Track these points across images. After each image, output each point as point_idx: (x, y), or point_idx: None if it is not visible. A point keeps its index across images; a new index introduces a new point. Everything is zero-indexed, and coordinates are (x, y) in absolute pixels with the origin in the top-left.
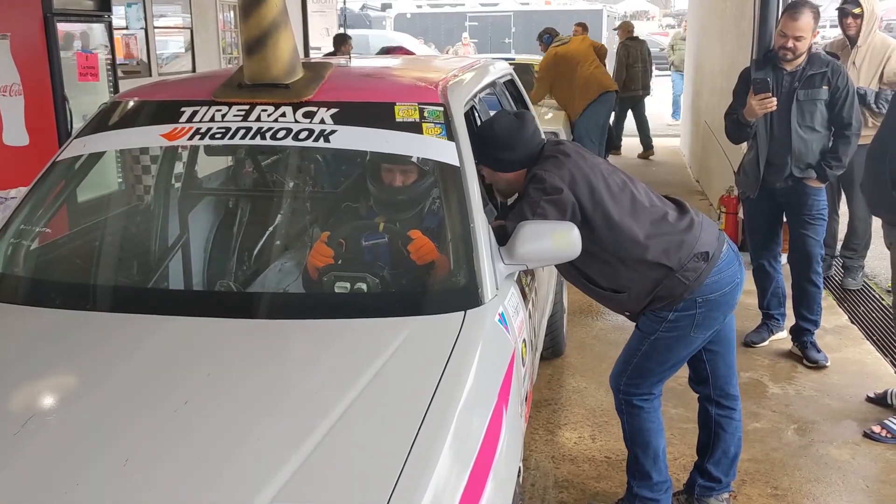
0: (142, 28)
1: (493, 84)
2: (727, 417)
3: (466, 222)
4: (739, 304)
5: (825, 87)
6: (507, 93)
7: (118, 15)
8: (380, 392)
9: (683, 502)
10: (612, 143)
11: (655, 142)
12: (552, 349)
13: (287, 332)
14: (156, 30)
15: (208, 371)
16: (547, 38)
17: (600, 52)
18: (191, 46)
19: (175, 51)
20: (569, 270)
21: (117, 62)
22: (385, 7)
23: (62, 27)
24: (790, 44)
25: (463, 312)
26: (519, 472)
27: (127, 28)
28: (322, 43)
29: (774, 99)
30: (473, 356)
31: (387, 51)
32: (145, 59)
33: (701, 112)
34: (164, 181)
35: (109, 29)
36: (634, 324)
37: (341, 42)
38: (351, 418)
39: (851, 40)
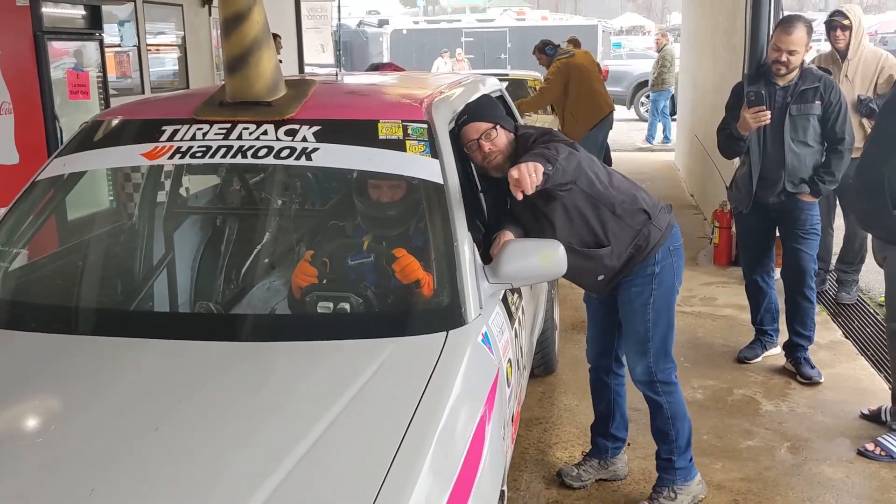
0: (134, 46)
1: None
2: (620, 384)
3: (450, 241)
4: (731, 318)
5: (818, 102)
6: None
7: (111, 33)
8: (358, 415)
9: (597, 466)
10: (608, 161)
11: (651, 155)
12: (544, 366)
13: (266, 355)
14: (148, 48)
15: (181, 396)
16: (550, 49)
17: (599, 68)
18: (184, 64)
19: (169, 68)
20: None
21: (110, 80)
22: (382, 23)
23: (54, 45)
24: (784, 58)
25: (445, 333)
26: (502, 496)
27: (119, 46)
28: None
29: (768, 112)
30: (455, 377)
31: (376, 67)
32: (138, 78)
33: (694, 127)
34: (148, 200)
35: (101, 47)
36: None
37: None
38: (327, 442)
39: (841, 53)
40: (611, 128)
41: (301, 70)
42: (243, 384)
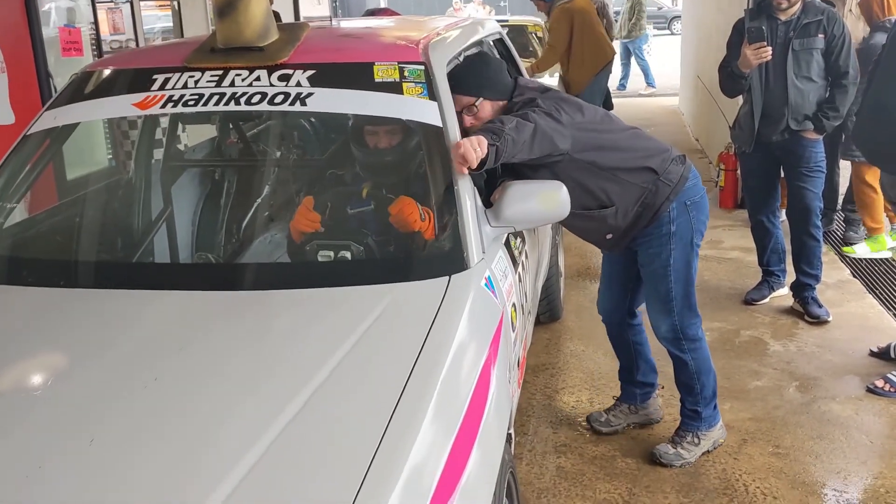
0: (127, 1)
1: (479, 43)
2: (637, 333)
3: (450, 184)
4: (737, 260)
5: (821, 36)
6: (496, 52)
7: None
8: (360, 361)
9: (627, 412)
10: (609, 106)
11: (655, 101)
12: (549, 313)
13: (267, 303)
14: (142, 3)
15: (180, 345)
16: None
17: (603, 11)
18: (178, 17)
19: (164, 24)
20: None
21: (103, 37)
22: None
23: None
24: None
25: (448, 277)
26: (509, 439)
27: (112, 2)
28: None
29: (769, 48)
30: (458, 321)
31: (371, 13)
32: (132, 33)
33: (698, 70)
34: (144, 154)
35: (93, 2)
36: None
37: None
38: (329, 389)
39: None
40: (610, 72)
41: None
42: (244, 332)
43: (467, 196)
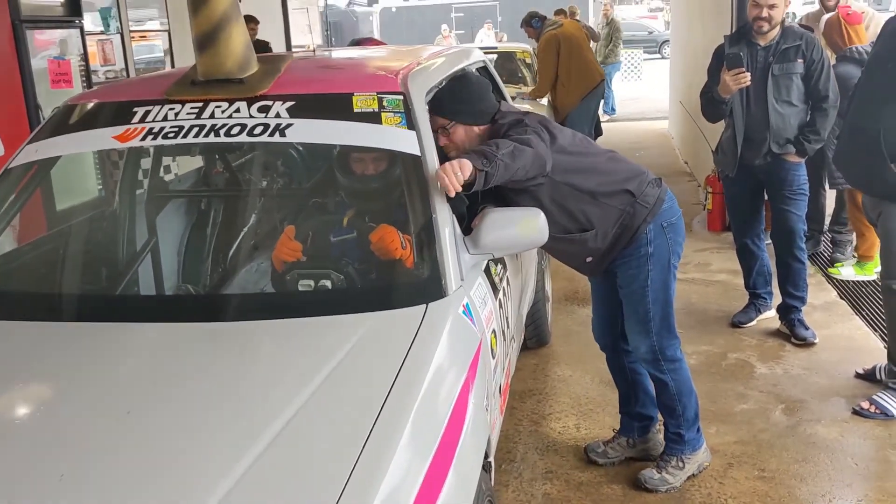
0: (117, 32)
1: (462, 70)
2: (634, 360)
3: (428, 213)
4: (725, 283)
5: (800, 61)
6: None
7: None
8: (334, 391)
9: (625, 445)
10: (599, 131)
11: (645, 124)
12: (536, 339)
13: (244, 334)
14: (132, 33)
15: (157, 379)
16: (537, 22)
17: (592, 35)
18: (169, 50)
19: (156, 55)
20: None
21: (94, 68)
22: (372, 2)
23: (38, 37)
24: (764, 13)
25: (425, 305)
26: (489, 467)
27: (103, 33)
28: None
29: (748, 74)
30: (434, 349)
31: (357, 42)
32: (122, 65)
33: (686, 93)
34: (128, 184)
35: (82, 34)
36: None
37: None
38: (302, 419)
39: (829, 11)
40: (602, 97)
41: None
42: (221, 364)
43: (445, 224)
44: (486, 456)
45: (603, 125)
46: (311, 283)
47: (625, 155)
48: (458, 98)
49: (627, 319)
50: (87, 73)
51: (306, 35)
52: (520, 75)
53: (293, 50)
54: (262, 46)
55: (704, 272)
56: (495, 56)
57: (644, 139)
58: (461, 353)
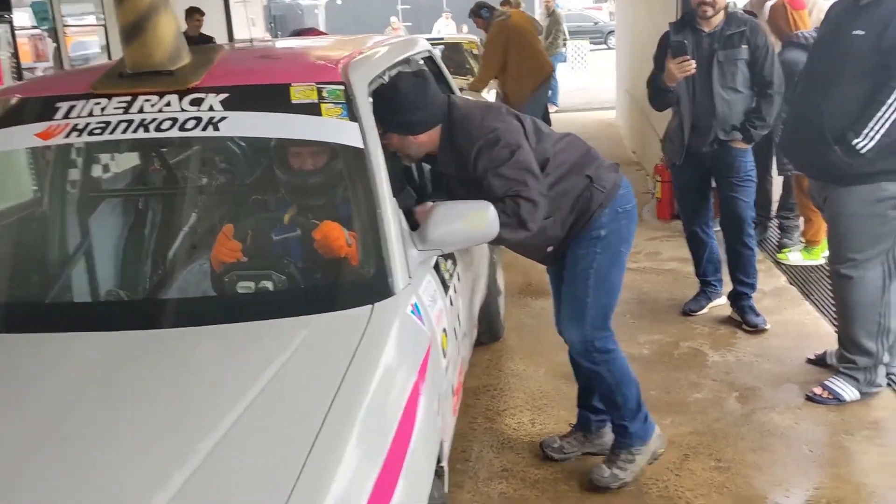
0: (51, 28)
1: (406, 61)
2: None
3: (373, 208)
4: (675, 271)
5: (744, 47)
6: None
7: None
8: (275, 399)
9: (582, 440)
10: (547, 122)
11: (592, 115)
12: (489, 333)
13: (178, 342)
14: (66, 28)
15: (87, 393)
16: (486, 12)
17: (538, 27)
18: (107, 45)
19: (93, 50)
20: None
21: (26, 65)
22: None
23: None
24: None
25: (371, 306)
26: (441, 473)
27: (36, 28)
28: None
29: (693, 62)
30: (381, 352)
31: (298, 33)
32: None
33: (632, 82)
34: (58, 185)
35: (12, 30)
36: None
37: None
38: (240, 431)
39: None
40: (550, 88)
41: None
42: (155, 376)
43: (391, 220)
44: (439, 461)
45: (550, 116)
46: (252, 284)
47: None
48: (388, 107)
49: (564, 303)
50: (19, 69)
51: (249, 29)
52: (467, 66)
53: (235, 43)
54: (206, 41)
55: (655, 261)
56: (442, 47)
57: (591, 130)
58: (410, 355)
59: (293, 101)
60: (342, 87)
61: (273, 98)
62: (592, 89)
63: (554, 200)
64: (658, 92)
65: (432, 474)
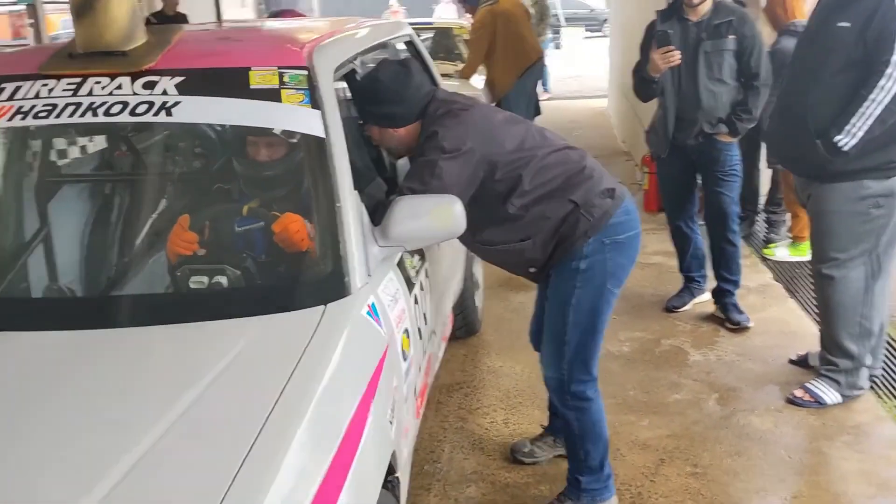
0: (29, 4)
1: (383, 46)
2: None
3: (332, 202)
4: (660, 266)
5: (732, 37)
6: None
7: None
8: (210, 407)
9: (552, 444)
10: (537, 110)
11: (583, 103)
12: (465, 328)
13: (119, 343)
14: (45, 5)
15: (16, 395)
16: None
17: (528, 12)
18: None
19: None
20: (463, 235)
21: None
22: None
23: None
24: None
25: (323, 307)
26: (394, 484)
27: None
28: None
29: (678, 52)
30: (329, 357)
31: (276, 14)
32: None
33: (625, 71)
34: (13, 170)
35: None
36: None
37: None
38: (169, 441)
39: None
40: (540, 76)
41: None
42: (90, 377)
43: (351, 214)
44: (393, 471)
45: (541, 103)
46: (205, 279)
47: (562, 136)
48: (367, 98)
49: (545, 335)
50: None
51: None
52: (456, 52)
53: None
54: (180, 19)
55: (641, 255)
56: (432, 32)
57: (582, 118)
58: (362, 361)
59: (252, 87)
60: (305, 73)
61: (231, 82)
62: (585, 77)
63: (533, 222)
64: (642, 82)
65: (380, 488)
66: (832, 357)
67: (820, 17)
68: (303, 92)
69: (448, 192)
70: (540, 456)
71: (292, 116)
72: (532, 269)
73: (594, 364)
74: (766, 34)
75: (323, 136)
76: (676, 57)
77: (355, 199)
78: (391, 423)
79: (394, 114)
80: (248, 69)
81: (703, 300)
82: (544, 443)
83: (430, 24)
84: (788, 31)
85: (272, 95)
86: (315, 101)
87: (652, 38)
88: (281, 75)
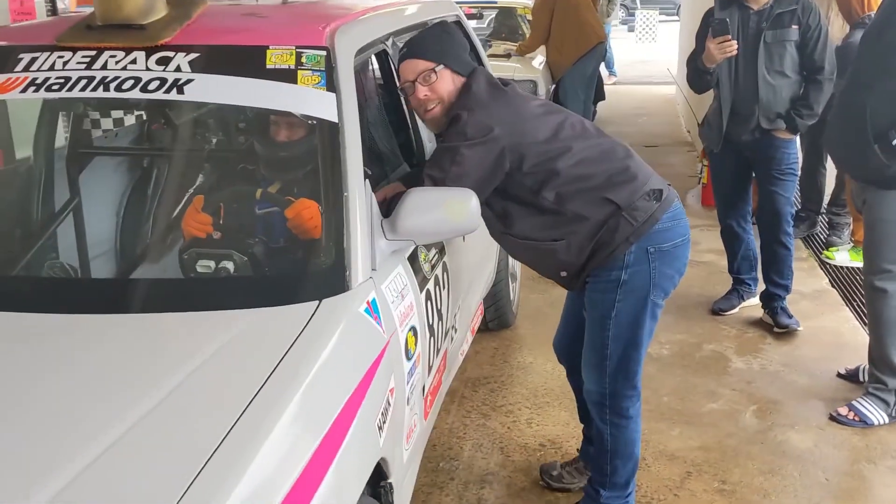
0: None
1: (422, 25)
2: None
3: (339, 191)
4: (710, 265)
5: (795, 27)
6: None
7: None
8: (181, 404)
9: (584, 470)
10: (600, 95)
11: (651, 89)
12: (497, 320)
13: (99, 330)
14: None
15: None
16: None
17: None
18: None
19: None
20: (493, 226)
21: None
22: None
23: None
24: None
25: (317, 302)
26: (387, 490)
27: None
28: None
29: (734, 42)
30: (316, 356)
31: None
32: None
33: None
34: (44, 143)
35: None
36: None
37: None
38: (135, 435)
39: None
40: (602, 59)
41: None
42: (66, 364)
43: (357, 204)
44: (385, 477)
45: (606, 88)
46: (212, 263)
47: (626, 126)
48: (442, 40)
49: (585, 347)
50: (55, 9)
51: None
52: (520, 33)
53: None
54: None
55: (692, 251)
56: (495, 12)
57: (648, 105)
58: (353, 362)
59: (268, 66)
60: (324, 53)
61: (247, 61)
62: (656, 62)
63: (568, 221)
64: (696, 73)
65: (359, 496)
66: (880, 374)
67: (884, 16)
68: (319, 74)
69: (468, 180)
70: (568, 483)
71: (306, 99)
72: (563, 274)
73: (638, 377)
74: (839, 27)
75: (336, 121)
76: (733, 47)
77: (364, 188)
78: (381, 428)
79: (466, 60)
80: (266, 48)
81: (752, 304)
82: (575, 469)
83: (493, 2)
84: (862, 25)
85: (288, 76)
86: (331, 84)
87: (708, 27)
88: (298, 55)
